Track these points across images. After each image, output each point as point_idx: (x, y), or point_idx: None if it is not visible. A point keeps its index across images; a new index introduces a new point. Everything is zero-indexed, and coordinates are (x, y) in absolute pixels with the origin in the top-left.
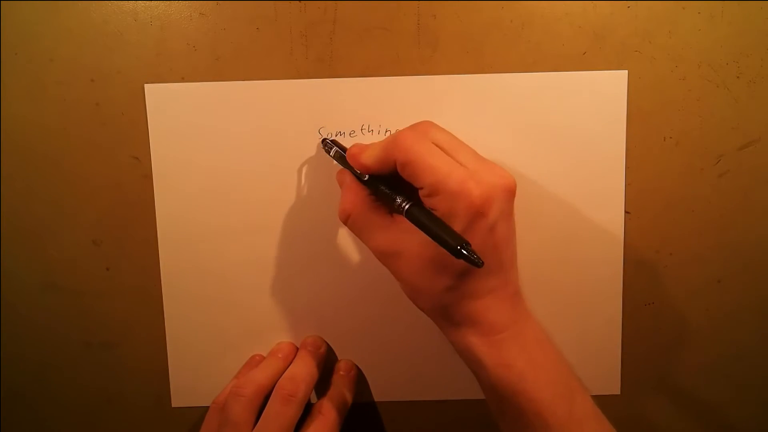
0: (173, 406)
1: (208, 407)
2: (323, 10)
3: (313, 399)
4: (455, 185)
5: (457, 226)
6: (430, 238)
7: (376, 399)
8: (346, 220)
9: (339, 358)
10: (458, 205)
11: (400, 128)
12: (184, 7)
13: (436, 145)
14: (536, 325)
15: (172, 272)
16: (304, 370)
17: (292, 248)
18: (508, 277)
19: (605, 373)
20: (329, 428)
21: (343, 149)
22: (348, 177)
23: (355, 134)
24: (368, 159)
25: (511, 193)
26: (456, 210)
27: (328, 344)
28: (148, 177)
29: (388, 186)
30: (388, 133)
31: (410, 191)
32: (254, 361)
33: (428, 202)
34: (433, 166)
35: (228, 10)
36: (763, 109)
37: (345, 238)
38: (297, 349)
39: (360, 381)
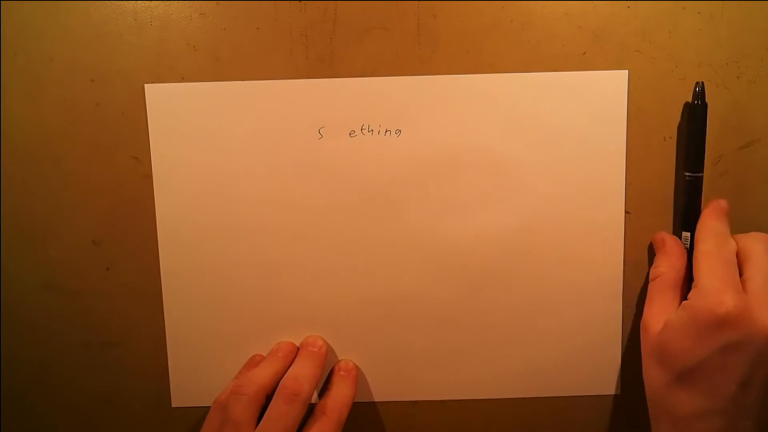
0: (173, 406)
1: (208, 407)
2: (323, 10)
3: (314, 399)
4: (711, 288)
5: (692, 327)
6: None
7: (376, 399)
8: (655, 278)
9: (339, 358)
10: (700, 303)
11: (400, 128)
12: (184, 7)
13: (739, 250)
14: None
15: (172, 272)
16: (306, 370)
17: (292, 248)
18: (737, 423)
19: (605, 373)
20: (332, 429)
21: None
22: (671, 240)
23: (355, 134)
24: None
25: (764, 338)
26: (696, 303)
27: (328, 344)
28: (148, 177)
29: None
30: (388, 133)
31: None
32: (254, 362)
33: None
34: (702, 266)
35: (228, 10)
36: (763, 109)
37: (345, 239)
38: (297, 348)
39: (360, 381)
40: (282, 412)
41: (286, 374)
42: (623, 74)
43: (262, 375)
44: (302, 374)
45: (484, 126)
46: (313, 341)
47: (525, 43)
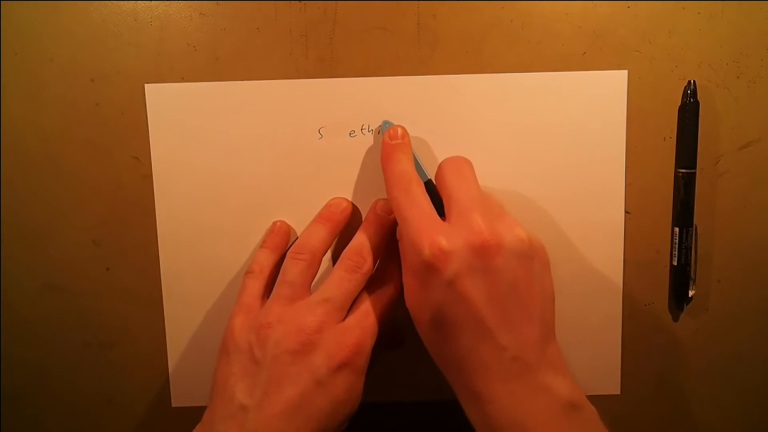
0: (173, 406)
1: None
2: (323, 10)
3: None
4: (412, 235)
5: (410, 276)
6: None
7: (376, 399)
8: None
9: None
10: (409, 254)
11: None
12: (184, 7)
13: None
14: (552, 402)
15: (172, 272)
16: (371, 240)
17: None
18: (500, 340)
19: (605, 373)
20: (397, 293)
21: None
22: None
23: (355, 134)
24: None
25: (477, 249)
26: (408, 259)
27: None
28: (148, 177)
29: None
30: None
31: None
32: (276, 230)
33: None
34: (405, 214)
35: (228, 10)
36: (763, 109)
37: (345, 239)
38: (353, 205)
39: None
40: (343, 278)
41: (351, 244)
42: (623, 74)
43: (316, 240)
44: (366, 246)
45: (484, 126)
46: (383, 205)
47: (525, 43)
